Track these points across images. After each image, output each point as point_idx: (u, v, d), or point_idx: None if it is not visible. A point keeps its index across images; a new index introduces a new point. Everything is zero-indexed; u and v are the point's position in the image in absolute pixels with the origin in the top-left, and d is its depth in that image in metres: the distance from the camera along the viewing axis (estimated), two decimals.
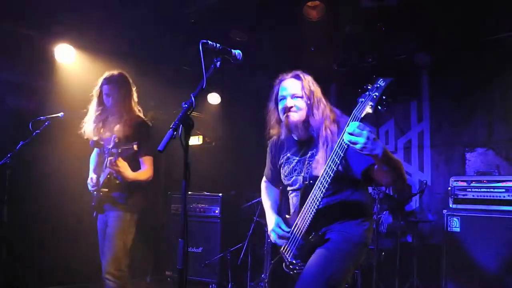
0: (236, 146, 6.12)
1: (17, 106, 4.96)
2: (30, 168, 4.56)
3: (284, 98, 2.30)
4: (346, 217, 2.19)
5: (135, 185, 3.28)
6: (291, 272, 2.25)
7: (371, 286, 4.24)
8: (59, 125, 4.06)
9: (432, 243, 4.78)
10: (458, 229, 4.17)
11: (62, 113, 3.91)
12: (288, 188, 2.44)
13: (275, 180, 2.64)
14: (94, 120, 3.37)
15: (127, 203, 3.28)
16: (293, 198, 2.37)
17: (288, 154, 2.42)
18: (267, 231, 4.49)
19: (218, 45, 2.06)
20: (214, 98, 6.16)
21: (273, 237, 2.36)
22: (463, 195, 4.26)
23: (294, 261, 2.24)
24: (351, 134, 1.84)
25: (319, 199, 2.05)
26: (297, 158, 2.35)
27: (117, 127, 3.26)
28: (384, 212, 4.65)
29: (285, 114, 2.27)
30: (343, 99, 5.84)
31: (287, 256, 2.29)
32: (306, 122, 2.26)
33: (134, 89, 3.46)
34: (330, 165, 2.00)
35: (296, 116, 2.25)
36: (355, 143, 1.84)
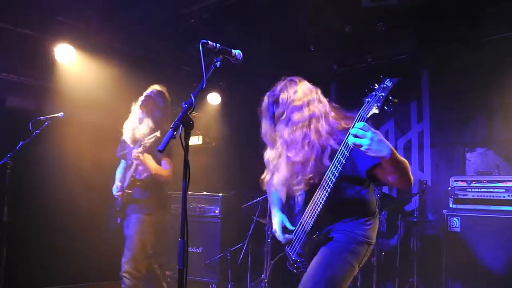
0: (236, 146, 6.11)
1: (17, 106, 4.96)
2: (30, 168, 4.56)
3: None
4: (350, 216, 2.19)
5: (154, 185, 3.51)
6: (295, 271, 2.26)
7: (371, 286, 4.24)
8: (59, 125, 4.07)
9: (432, 243, 4.78)
10: (458, 229, 4.17)
11: (62, 113, 3.92)
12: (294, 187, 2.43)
13: None
14: (131, 127, 3.60)
15: (147, 206, 3.50)
16: (298, 197, 2.37)
17: None
18: (267, 231, 4.51)
19: (218, 45, 2.06)
20: (214, 98, 6.16)
21: (277, 235, 2.36)
22: (463, 195, 4.26)
23: (298, 260, 2.24)
24: (355, 136, 1.84)
25: (324, 198, 2.06)
26: None
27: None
28: (384, 212, 4.65)
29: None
30: (343, 99, 5.84)
31: (291, 254, 2.30)
32: None
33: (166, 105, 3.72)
34: (336, 164, 2.00)
35: None
36: (359, 145, 1.84)
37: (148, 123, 3.54)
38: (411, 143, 5.34)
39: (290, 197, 2.39)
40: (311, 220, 2.13)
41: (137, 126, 3.55)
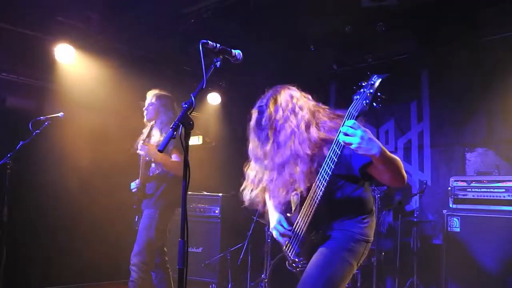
0: (236, 146, 6.10)
1: (17, 106, 4.96)
2: (30, 168, 4.56)
3: None
4: (347, 215, 2.19)
5: (167, 182, 3.60)
6: (294, 270, 2.26)
7: (371, 286, 4.25)
8: (59, 125, 4.07)
9: (432, 243, 4.78)
10: (458, 229, 4.17)
11: (62, 113, 3.93)
12: None
13: None
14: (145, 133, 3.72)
15: (158, 202, 3.58)
16: (294, 197, 2.37)
17: None
18: (267, 231, 4.51)
19: (218, 45, 2.06)
20: (214, 98, 6.16)
21: (275, 235, 2.36)
22: (463, 195, 4.26)
23: (296, 259, 2.25)
24: (345, 134, 1.84)
25: (318, 197, 2.06)
26: None
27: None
28: (384, 212, 4.66)
29: None
30: (343, 99, 5.84)
31: (289, 254, 2.30)
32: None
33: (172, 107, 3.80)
34: (329, 163, 2.00)
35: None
36: (349, 144, 1.84)
37: (158, 132, 3.64)
38: (411, 143, 5.34)
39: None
40: (307, 219, 2.13)
41: (148, 139, 3.64)
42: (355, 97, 1.94)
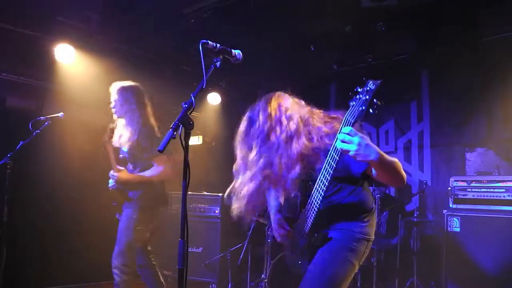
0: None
1: (17, 106, 4.96)
2: (30, 168, 4.56)
3: None
4: (347, 215, 2.20)
5: (146, 184, 3.46)
6: (296, 272, 2.26)
7: (371, 286, 4.24)
8: (59, 125, 4.07)
9: (432, 243, 4.78)
10: (458, 229, 4.17)
11: (62, 113, 3.92)
12: None
13: None
14: (115, 130, 3.54)
15: (138, 202, 3.46)
16: (295, 199, 2.37)
17: None
18: (267, 231, 4.50)
19: (218, 45, 2.06)
20: (214, 98, 6.16)
21: (277, 237, 2.37)
22: (463, 195, 4.26)
23: (299, 261, 2.25)
24: (342, 141, 1.86)
25: (318, 201, 2.07)
26: None
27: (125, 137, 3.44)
28: (384, 212, 4.66)
29: None
30: (343, 99, 5.83)
31: (291, 256, 2.31)
32: None
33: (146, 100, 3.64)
34: (327, 168, 2.01)
35: None
36: (347, 151, 1.86)
37: (126, 129, 3.43)
38: (411, 143, 5.34)
39: (286, 199, 2.40)
40: (308, 222, 2.15)
41: (120, 135, 3.47)
42: (351, 103, 1.94)
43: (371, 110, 1.88)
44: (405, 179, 2.09)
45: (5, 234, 3.74)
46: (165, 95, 5.71)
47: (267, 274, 4.27)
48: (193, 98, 1.89)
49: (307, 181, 2.19)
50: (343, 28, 4.58)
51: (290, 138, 2.16)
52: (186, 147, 1.86)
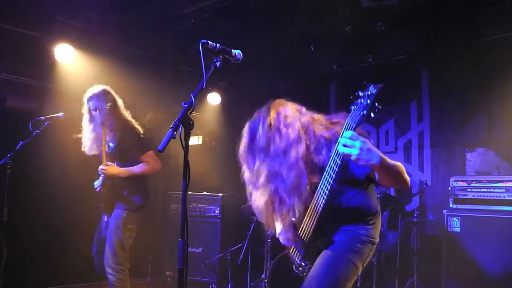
0: (236, 146, 6.11)
1: (17, 106, 4.96)
2: (30, 168, 4.56)
3: None
4: (352, 218, 2.20)
5: (134, 183, 3.57)
6: (301, 274, 2.27)
7: (371, 286, 4.24)
8: (59, 125, 4.07)
9: (432, 243, 4.78)
10: (458, 229, 4.17)
11: (62, 113, 3.93)
12: None
13: None
14: (89, 136, 3.59)
15: (126, 202, 3.55)
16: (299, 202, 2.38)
17: None
18: (267, 231, 4.50)
19: (218, 45, 2.07)
20: (214, 98, 6.16)
21: (281, 239, 2.37)
22: (463, 195, 4.26)
23: (302, 263, 2.26)
24: (344, 145, 1.87)
25: (322, 205, 2.08)
26: None
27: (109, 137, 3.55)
28: (384, 212, 4.66)
29: None
30: (343, 99, 5.84)
31: (296, 258, 2.31)
32: None
33: (118, 99, 3.69)
34: (329, 172, 2.02)
35: None
36: (349, 155, 1.87)
37: (87, 127, 3.56)
38: (411, 143, 5.34)
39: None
40: (312, 225, 2.15)
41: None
42: (352, 107, 1.95)
43: (372, 115, 1.89)
44: (409, 182, 2.10)
45: (5, 234, 3.74)
46: (165, 95, 5.73)
47: (267, 274, 4.27)
48: (193, 98, 1.89)
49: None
50: (343, 28, 4.58)
51: (290, 146, 2.15)
52: (186, 147, 1.86)
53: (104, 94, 3.60)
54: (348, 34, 4.62)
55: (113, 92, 3.67)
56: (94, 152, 3.60)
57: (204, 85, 1.93)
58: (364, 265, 2.22)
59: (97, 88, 3.61)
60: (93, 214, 5.09)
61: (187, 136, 1.86)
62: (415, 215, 4.57)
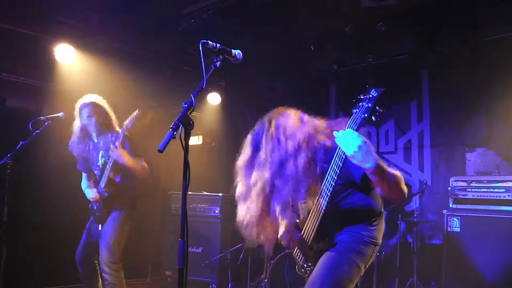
0: (236, 146, 6.11)
1: (17, 106, 4.95)
2: (30, 168, 4.56)
3: None
4: (355, 220, 2.21)
5: (128, 184, 3.68)
6: (304, 275, 2.27)
7: (371, 286, 4.24)
8: (59, 125, 4.06)
9: (432, 243, 4.78)
10: (458, 229, 4.17)
11: (62, 113, 3.93)
12: None
13: None
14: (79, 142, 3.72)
15: (122, 205, 3.64)
16: (302, 204, 2.38)
17: None
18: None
19: (218, 45, 2.06)
20: (214, 98, 6.16)
21: (283, 241, 2.38)
22: (463, 195, 4.26)
23: (305, 265, 2.26)
24: (345, 139, 1.90)
25: (323, 207, 2.10)
26: None
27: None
28: (384, 212, 4.65)
29: None
30: (343, 99, 5.84)
31: (298, 259, 2.32)
32: None
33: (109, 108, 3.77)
34: (331, 174, 2.04)
35: None
36: (345, 149, 1.90)
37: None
38: (411, 143, 5.34)
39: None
40: (314, 228, 2.16)
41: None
42: (354, 110, 1.99)
43: (373, 118, 1.93)
44: (405, 194, 2.10)
45: (5, 234, 3.74)
46: (165, 95, 5.72)
47: (267, 274, 4.27)
48: (193, 98, 1.89)
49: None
50: (343, 28, 4.58)
51: (290, 157, 2.18)
52: (186, 147, 1.86)
53: (97, 104, 3.69)
54: (348, 34, 4.62)
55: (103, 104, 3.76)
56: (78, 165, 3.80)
57: (204, 85, 1.93)
58: (367, 266, 2.23)
59: (87, 100, 3.68)
60: None
61: (187, 136, 1.86)
62: (415, 215, 4.57)
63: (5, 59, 4.61)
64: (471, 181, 4.25)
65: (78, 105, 3.68)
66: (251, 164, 2.33)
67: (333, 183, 2.03)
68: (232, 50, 2.13)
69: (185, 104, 1.88)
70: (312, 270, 2.21)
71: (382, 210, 2.30)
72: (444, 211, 4.29)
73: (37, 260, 4.77)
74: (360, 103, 1.96)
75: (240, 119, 6.28)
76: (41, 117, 3.89)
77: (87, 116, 3.63)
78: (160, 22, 4.60)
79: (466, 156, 4.90)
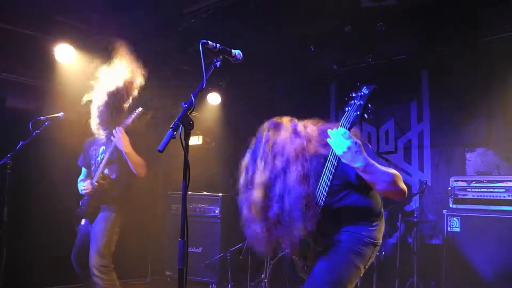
0: (236, 146, 6.12)
1: (17, 106, 4.95)
2: (30, 168, 4.56)
3: None
4: (356, 219, 2.21)
5: (122, 183, 3.60)
6: (303, 275, 2.27)
7: (371, 286, 4.24)
8: (59, 125, 4.07)
9: (432, 243, 4.78)
10: (458, 229, 4.17)
11: (62, 113, 3.93)
12: None
13: None
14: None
15: (114, 204, 3.56)
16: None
17: None
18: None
19: (218, 45, 2.07)
20: (214, 98, 6.16)
21: (284, 245, 2.38)
22: (463, 195, 4.26)
23: (304, 265, 2.26)
24: (334, 141, 1.94)
25: (320, 207, 2.09)
26: None
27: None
28: (384, 212, 4.65)
29: None
30: (343, 99, 5.83)
31: (298, 261, 2.32)
32: None
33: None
34: (327, 174, 2.05)
35: None
36: (336, 149, 1.94)
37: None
38: (411, 143, 5.34)
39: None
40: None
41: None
42: (346, 108, 2.01)
43: (365, 115, 1.96)
44: (405, 194, 2.09)
45: (5, 234, 3.74)
46: (165, 95, 5.72)
47: (267, 274, 4.27)
48: (193, 98, 1.89)
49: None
50: (343, 28, 4.58)
51: (284, 171, 2.17)
52: (186, 147, 1.86)
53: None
54: (348, 34, 4.62)
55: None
56: (78, 161, 3.75)
57: (204, 85, 1.93)
58: (366, 266, 2.23)
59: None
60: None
61: (187, 136, 1.86)
62: (415, 215, 4.57)
63: (5, 59, 4.61)
64: (471, 181, 4.25)
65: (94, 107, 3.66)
66: (250, 183, 2.34)
67: (329, 183, 2.04)
68: (232, 50, 2.13)
69: (185, 104, 1.88)
70: (310, 270, 2.21)
71: (382, 210, 2.30)
72: (444, 211, 4.29)
73: (37, 260, 4.77)
74: (352, 101, 1.98)
75: (240, 119, 6.28)
76: (41, 117, 3.89)
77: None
78: (160, 22, 4.60)
79: (466, 156, 4.90)
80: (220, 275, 5.16)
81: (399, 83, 5.28)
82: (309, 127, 2.30)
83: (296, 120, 2.35)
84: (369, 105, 1.94)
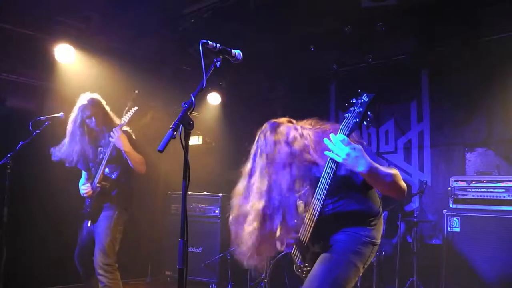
0: (236, 146, 6.12)
1: (17, 106, 4.95)
2: (30, 168, 4.56)
3: None
4: (354, 220, 2.21)
5: (123, 182, 3.63)
6: (301, 275, 2.28)
7: (371, 286, 4.24)
8: (59, 125, 4.06)
9: (432, 243, 4.78)
10: (458, 229, 4.17)
11: (62, 113, 3.93)
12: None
13: None
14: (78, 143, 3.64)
15: (116, 203, 3.57)
16: (300, 205, 2.38)
17: None
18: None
19: (218, 45, 2.07)
20: (214, 98, 6.16)
21: (281, 241, 2.38)
22: (463, 195, 4.26)
23: (302, 265, 2.26)
24: (333, 149, 1.95)
25: (318, 209, 2.11)
26: None
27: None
28: (384, 212, 4.66)
29: None
30: (342, 99, 5.83)
31: (296, 260, 2.32)
32: None
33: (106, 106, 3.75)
34: (325, 177, 2.05)
35: None
36: (336, 156, 1.95)
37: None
38: (411, 143, 5.34)
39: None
40: (311, 227, 2.16)
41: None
42: (345, 115, 2.01)
43: (364, 122, 1.97)
44: (405, 192, 2.12)
45: (5, 234, 3.74)
46: (165, 95, 5.72)
47: (267, 274, 4.27)
48: (193, 98, 1.89)
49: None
50: (343, 28, 4.58)
51: (281, 174, 2.19)
52: (186, 147, 1.86)
53: (97, 103, 3.65)
54: (348, 34, 4.62)
55: (101, 101, 3.73)
56: (78, 165, 3.70)
57: (204, 85, 1.93)
58: (365, 266, 2.23)
59: (86, 99, 3.62)
60: None
61: (187, 136, 1.86)
62: (415, 215, 4.57)
63: (5, 59, 4.61)
64: (471, 181, 4.25)
65: (77, 107, 3.62)
66: (247, 190, 2.35)
67: (327, 186, 2.05)
68: (232, 50, 2.13)
69: (185, 104, 1.88)
70: (309, 270, 2.21)
71: (380, 210, 2.30)
72: (444, 211, 4.29)
73: (37, 260, 4.77)
74: (352, 108, 1.99)
75: (240, 119, 6.28)
76: (41, 117, 3.89)
77: (87, 117, 3.59)
78: (160, 22, 4.60)
79: (466, 156, 4.90)
80: (220, 275, 5.16)
81: (399, 83, 5.28)
82: (305, 131, 2.29)
83: (295, 122, 2.35)
84: (369, 112, 1.96)
